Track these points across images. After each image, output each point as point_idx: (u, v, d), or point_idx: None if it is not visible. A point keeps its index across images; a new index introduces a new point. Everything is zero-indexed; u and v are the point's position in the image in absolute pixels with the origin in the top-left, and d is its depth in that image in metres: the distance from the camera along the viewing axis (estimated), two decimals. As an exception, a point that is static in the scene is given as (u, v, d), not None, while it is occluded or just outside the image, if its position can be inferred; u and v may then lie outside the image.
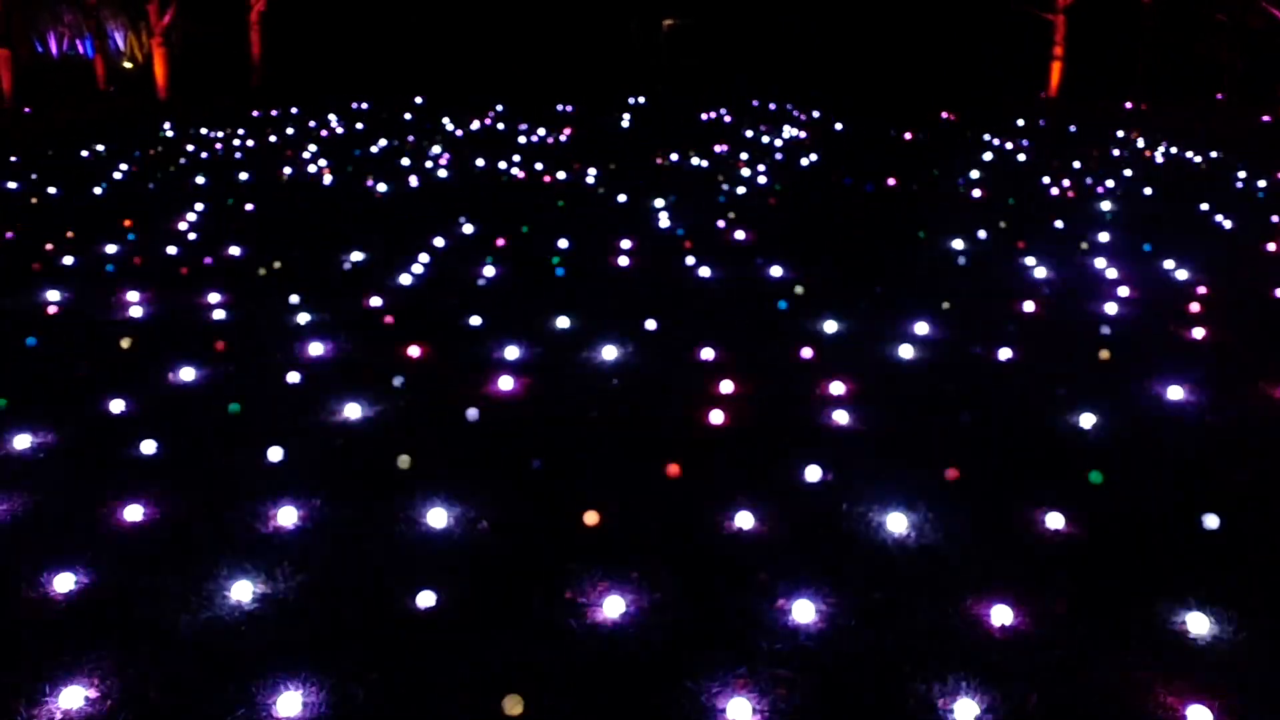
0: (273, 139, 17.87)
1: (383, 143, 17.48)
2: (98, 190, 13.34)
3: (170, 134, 18.61)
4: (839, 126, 19.80)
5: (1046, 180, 14.08)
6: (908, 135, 18.37)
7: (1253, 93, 25.20)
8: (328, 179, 14.27)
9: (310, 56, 31.36)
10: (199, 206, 12.32)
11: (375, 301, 8.65)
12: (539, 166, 15.19)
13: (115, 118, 21.49)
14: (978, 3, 30.72)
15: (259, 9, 28.73)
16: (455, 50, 33.76)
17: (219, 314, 8.36)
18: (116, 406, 6.42)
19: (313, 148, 16.73)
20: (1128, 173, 14.67)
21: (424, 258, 9.96)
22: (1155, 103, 24.19)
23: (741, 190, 13.50)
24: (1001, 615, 4.29)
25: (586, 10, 36.29)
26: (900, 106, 23.16)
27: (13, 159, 15.73)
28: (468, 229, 11.14)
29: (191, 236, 10.96)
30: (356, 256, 10.08)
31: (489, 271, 9.52)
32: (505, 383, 6.83)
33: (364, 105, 23.30)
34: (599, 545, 4.88)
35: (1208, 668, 4.04)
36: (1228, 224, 11.53)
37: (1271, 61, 23.65)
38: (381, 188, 13.62)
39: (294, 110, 22.31)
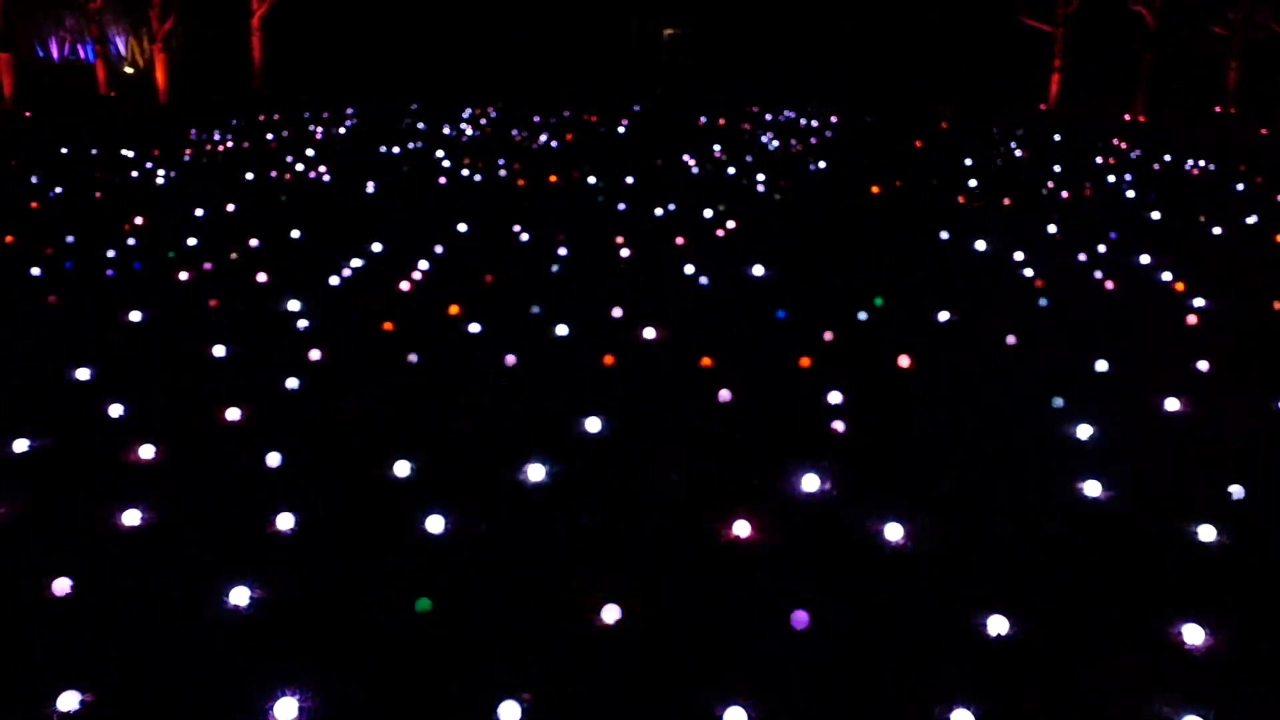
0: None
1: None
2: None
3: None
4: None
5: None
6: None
7: (1254, 105, 25.26)
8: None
9: (311, 60, 31.47)
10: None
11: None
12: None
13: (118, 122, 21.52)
14: (979, 14, 30.84)
15: (261, 14, 28.80)
16: (458, 54, 33.87)
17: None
18: (114, 410, 6.44)
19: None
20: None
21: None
22: (1153, 114, 24.26)
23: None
24: (997, 625, 4.31)
25: (589, 16, 36.43)
26: (898, 111, 23.27)
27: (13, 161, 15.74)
28: None
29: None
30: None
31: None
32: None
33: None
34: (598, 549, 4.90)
35: (1202, 677, 4.05)
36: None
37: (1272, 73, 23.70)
38: None
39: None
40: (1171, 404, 6.64)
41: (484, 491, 5.48)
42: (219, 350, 7.55)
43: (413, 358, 7.30)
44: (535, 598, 4.52)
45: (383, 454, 5.82)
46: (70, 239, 10.83)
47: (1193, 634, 4.26)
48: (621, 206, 12.71)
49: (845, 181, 14.34)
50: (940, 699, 3.89)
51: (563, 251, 10.47)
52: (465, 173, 15.09)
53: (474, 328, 8.09)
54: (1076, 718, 3.85)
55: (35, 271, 9.60)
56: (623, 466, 5.75)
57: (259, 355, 7.55)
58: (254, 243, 10.90)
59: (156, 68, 26.67)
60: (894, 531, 5.03)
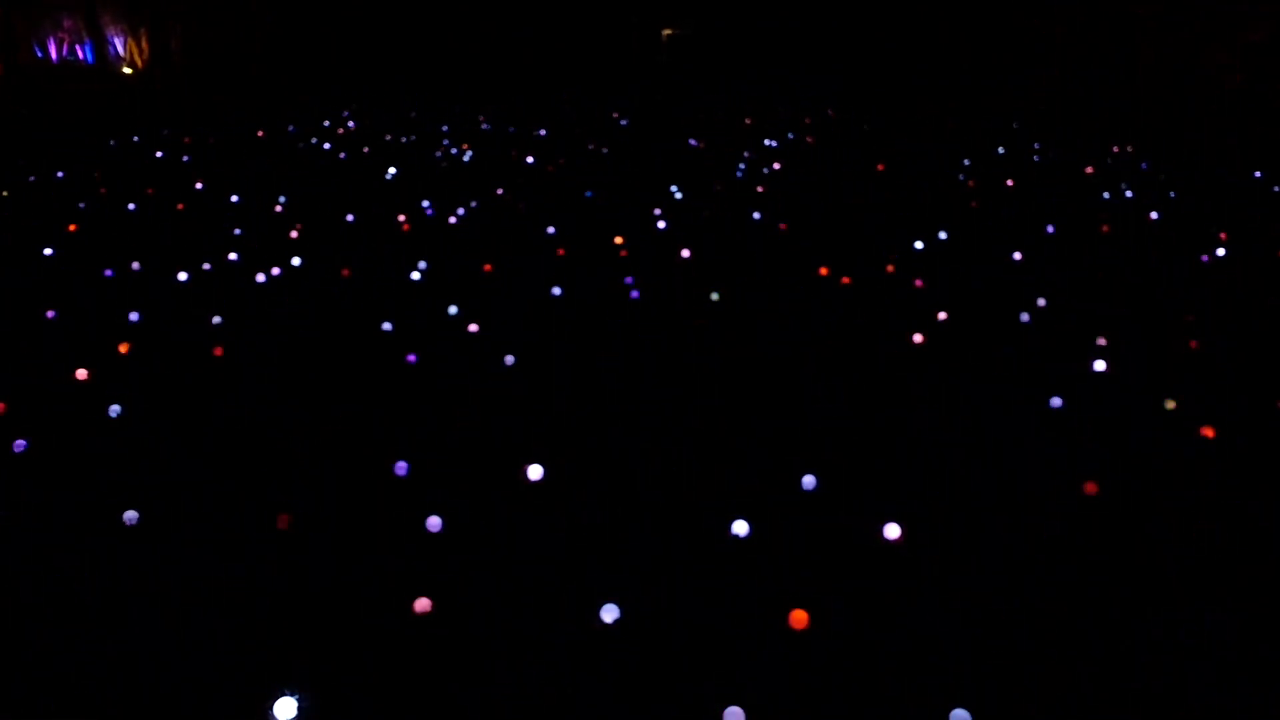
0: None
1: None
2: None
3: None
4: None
5: None
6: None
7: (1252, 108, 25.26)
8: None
9: (310, 61, 31.54)
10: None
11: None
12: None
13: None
14: (975, 13, 30.84)
15: (260, 16, 28.92)
16: (456, 52, 33.92)
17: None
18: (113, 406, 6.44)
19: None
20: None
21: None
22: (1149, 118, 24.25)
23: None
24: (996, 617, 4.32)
25: (587, 16, 36.45)
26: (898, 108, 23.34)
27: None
28: None
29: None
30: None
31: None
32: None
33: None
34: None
35: (1203, 677, 4.06)
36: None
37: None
38: None
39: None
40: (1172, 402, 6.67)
41: (485, 488, 5.48)
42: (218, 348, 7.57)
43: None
44: (535, 598, 4.53)
45: (385, 449, 5.83)
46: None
47: (1193, 633, 4.27)
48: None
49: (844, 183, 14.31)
50: (940, 699, 3.90)
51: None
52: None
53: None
54: (1076, 718, 3.85)
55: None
56: (623, 466, 5.77)
57: (258, 352, 7.57)
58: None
59: (156, 69, 26.76)
60: (893, 531, 5.04)
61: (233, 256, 10.36)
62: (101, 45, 28.93)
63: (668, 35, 38.12)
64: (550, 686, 3.98)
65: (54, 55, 40.20)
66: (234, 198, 12.84)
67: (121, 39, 38.35)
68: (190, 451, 5.94)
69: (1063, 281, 9.54)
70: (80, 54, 39.72)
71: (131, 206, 12.75)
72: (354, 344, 7.79)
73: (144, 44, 31.97)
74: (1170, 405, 6.57)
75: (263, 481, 5.59)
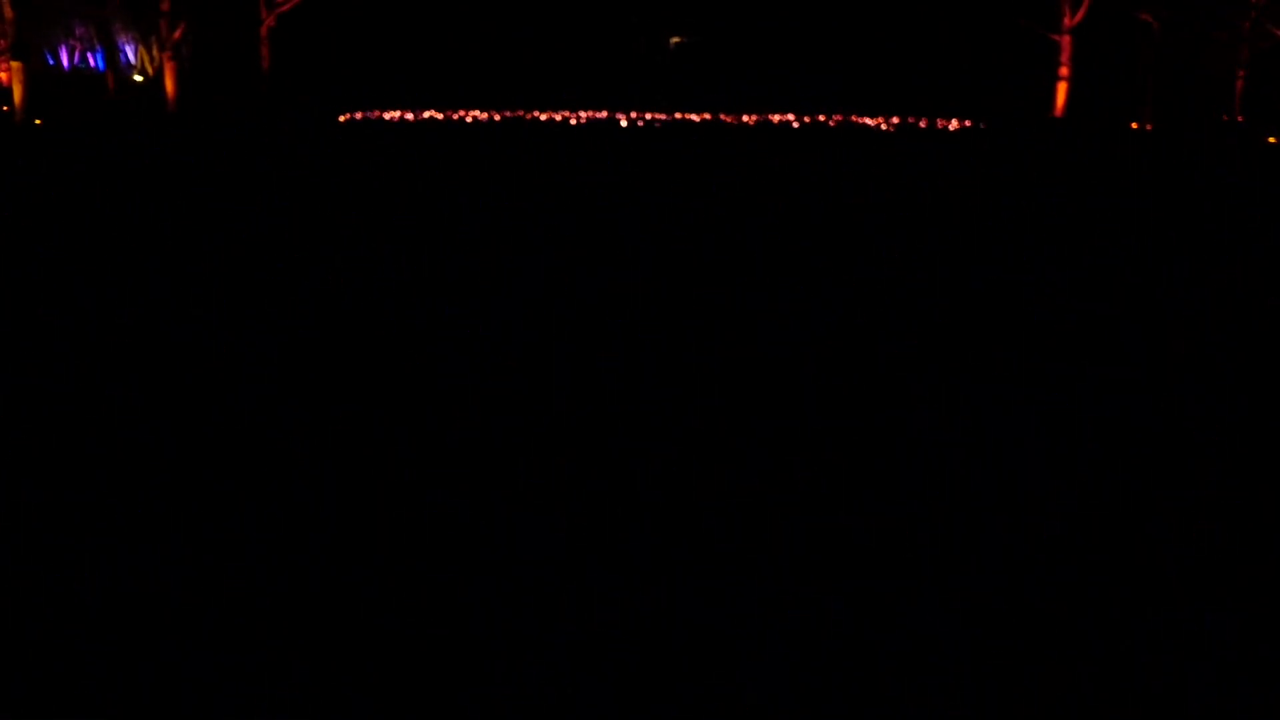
0: None
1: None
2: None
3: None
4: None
5: None
6: None
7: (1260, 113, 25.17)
8: None
9: (315, 64, 31.72)
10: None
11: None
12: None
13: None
14: (985, 23, 30.88)
15: (269, 24, 29.05)
16: (460, 56, 34.03)
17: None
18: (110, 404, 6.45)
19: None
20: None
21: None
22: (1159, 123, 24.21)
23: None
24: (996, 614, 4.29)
25: (595, 27, 36.56)
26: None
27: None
28: None
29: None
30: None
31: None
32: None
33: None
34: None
35: (1204, 678, 4.03)
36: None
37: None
38: None
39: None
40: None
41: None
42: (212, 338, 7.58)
43: None
44: (535, 598, 4.52)
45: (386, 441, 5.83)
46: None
47: (1193, 633, 4.25)
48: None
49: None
50: (940, 699, 3.88)
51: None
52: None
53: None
54: (1076, 718, 3.83)
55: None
56: (622, 462, 5.76)
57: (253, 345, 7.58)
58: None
59: (166, 76, 26.86)
60: (893, 530, 5.02)
61: (234, 254, 10.40)
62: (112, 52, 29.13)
63: (675, 43, 38.22)
64: (550, 686, 3.97)
65: (65, 63, 40.48)
66: (234, 196, 12.89)
67: (133, 46, 38.56)
68: (190, 451, 5.95)
69: (1063, 281, 9.52)
70: (91, 61, 39.99)
71: (133, 205, 12.81)
72: (354, 344, 7.80)
73: (155, 51, 32.12)
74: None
75: (263, 481, 5.59)
